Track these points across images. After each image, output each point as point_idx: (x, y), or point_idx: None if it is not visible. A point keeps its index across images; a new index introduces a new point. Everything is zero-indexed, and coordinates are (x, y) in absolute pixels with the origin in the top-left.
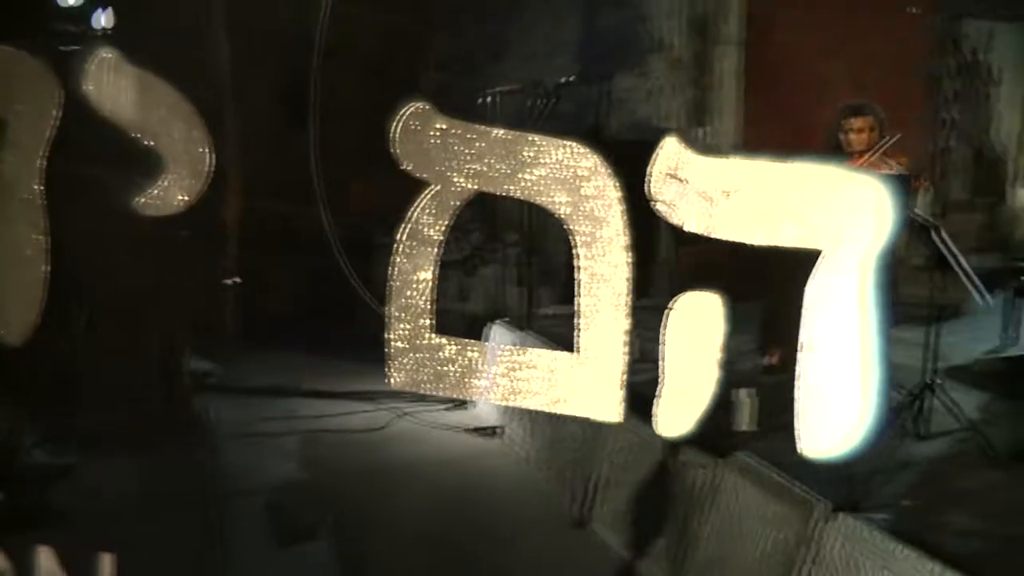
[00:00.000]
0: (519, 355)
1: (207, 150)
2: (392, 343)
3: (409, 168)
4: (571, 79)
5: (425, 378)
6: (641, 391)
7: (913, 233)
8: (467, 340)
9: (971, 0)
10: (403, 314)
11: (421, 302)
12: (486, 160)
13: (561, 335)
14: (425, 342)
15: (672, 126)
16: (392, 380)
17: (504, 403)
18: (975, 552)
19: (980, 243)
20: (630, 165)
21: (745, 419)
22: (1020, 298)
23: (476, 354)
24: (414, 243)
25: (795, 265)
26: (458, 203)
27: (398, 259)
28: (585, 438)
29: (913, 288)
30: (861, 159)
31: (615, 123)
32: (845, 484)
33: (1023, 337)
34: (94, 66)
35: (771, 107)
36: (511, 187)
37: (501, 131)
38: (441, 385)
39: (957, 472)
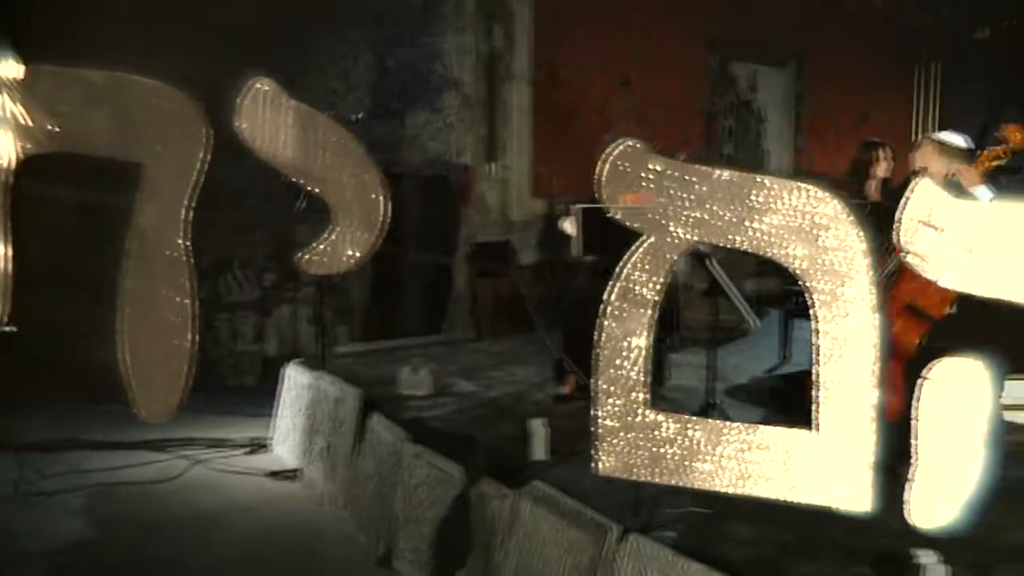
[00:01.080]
0: (749, 434)
1: (381, 197)
2: (600, 421)
3: (618, 216)
4: (360, 117)
5: (639, 462)
6: (438, 425)
7: (694, 262)
8: (688, 417)
9: (738, 45)
10: (613, 387)
11: (634, 373)
12: (708, 206)
13: (358, 373)
14: (639, 420)
15: (465, 161)
16: (600, 465)
17: (732, 490)
18: (753, 559)
19: (759, 268)
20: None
21: (540, 449)
22: (793, 319)
23: (699, 433)
24: (625, 304)
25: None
26: (675, 256)
27: (607, 323)
28: (383, 475)
29: (698, 313)
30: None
31: (408, 158)
32: (635, 506)
33: (796, 355)
34: (247, 99)
35: (559, 143)
36: (737, 237)
37: (725, 173)
38: (657, 470)
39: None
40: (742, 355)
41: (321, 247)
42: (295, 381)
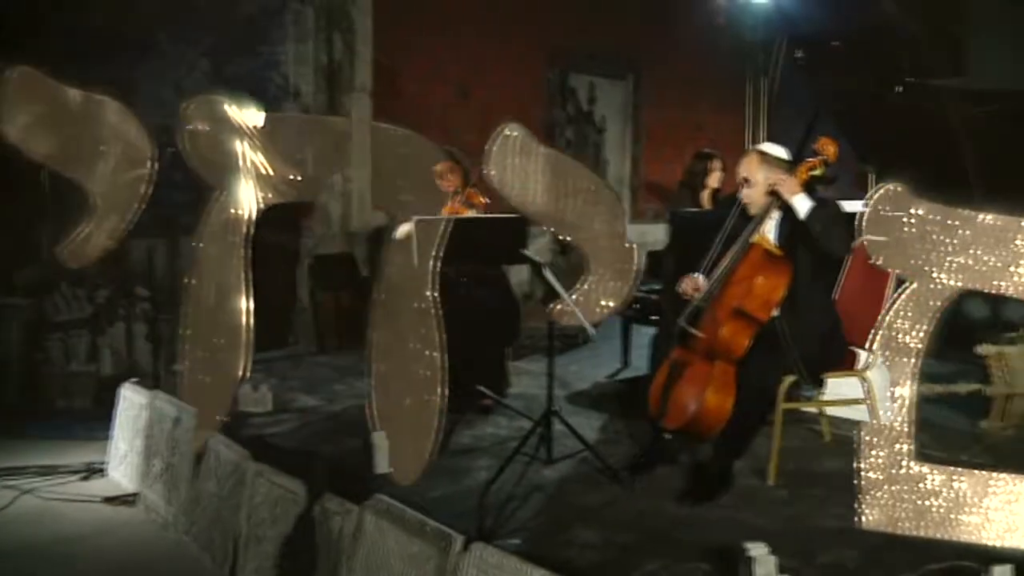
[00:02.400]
0: (1016, 484)
1: (635, 245)
2: (864, 473)
3: (880, 261)
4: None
5: (903, 515)
6: (281, 442)
7: (533, 270)
8: (953, 468)
9: (577, 57)
10: (876, 438)
11: (897, 424)
12: (973, 251)
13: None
14: (904, 472)
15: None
16: (864, 518)
17: (1000, 543)
18: (598, 562)
19: None
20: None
21: (383, 461)
22: (632, 325)
23: (964, 485)
24: (888, 353)
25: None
26: (939, 303)
27: (868, 373)
28: (224, 496)
29: (539, 321)
30: (452, 202)
31: None
32: (479, 515)
33: (636, 360)
34: (497, 146)
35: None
36: (1003, 283)
37: (989, 217)
38: (922, 523)
39: (580, 490)
40: (584, 362)
41: (576, 296)
42: (131, 401)
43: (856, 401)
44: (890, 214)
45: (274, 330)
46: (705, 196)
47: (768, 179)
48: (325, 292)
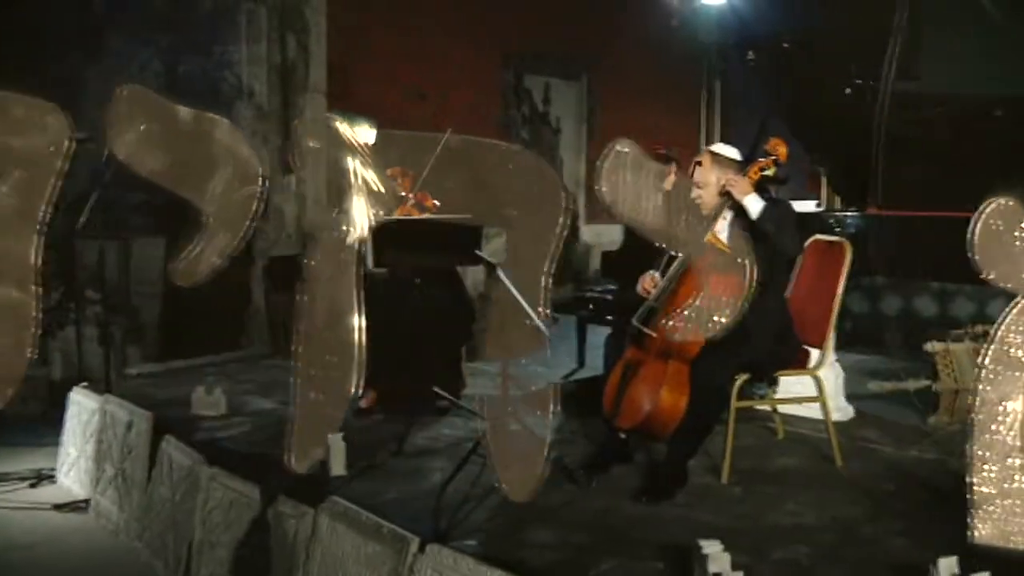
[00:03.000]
0: None
1: (747, 262)
2: (976, 488)
3: (991, 276)
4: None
5: (1016, 529)
6: (235, 446)
7: (487, 271)
8: None
9: (532, 59)
10: (988, 453)
11: (1010, 438)
12: None
13: (150, 395)
14: (1016, 486)
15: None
16: (976, 533)
17: None
18: (553, 562)
19: (557, 276)
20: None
21: (338, 464)
22: (587, 325)
23: None
24: (1000, 367)
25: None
26: None
27: (981, 387)
28: (178, 501)
29: None
30: (403, 205)
31: None
32: (435, 516)
33: (591, 360)
34: (608, 162)
35: None
36: None
37: None
38: None
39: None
40: (539, 362)
41: (685, 313)
42: (82, 406)
43: (809, 399)
44: (1001, 228)
45: (227, 332)
46: (663, 197)
47: (720, 179)
48: (280, 294)
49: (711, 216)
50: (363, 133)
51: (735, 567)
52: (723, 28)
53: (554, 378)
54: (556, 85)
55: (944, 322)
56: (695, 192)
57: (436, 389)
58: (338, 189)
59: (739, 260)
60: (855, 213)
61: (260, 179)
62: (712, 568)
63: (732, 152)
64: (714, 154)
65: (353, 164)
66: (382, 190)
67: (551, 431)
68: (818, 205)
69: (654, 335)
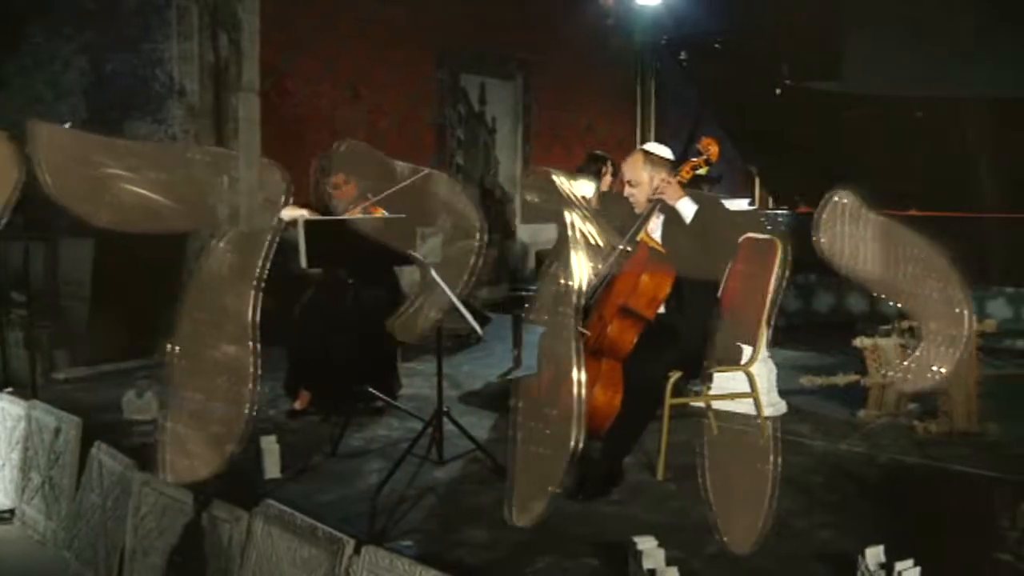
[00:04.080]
0: None
1: (964, 311)
2: None
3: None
4: (69, 125)
5: None
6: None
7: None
8: None
9: (467, 58)
10: None
11: None
12: None
13: (79, 399)
14: None
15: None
16: None
17: None
18: (489, 560)
19: (492, 276)
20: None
21: (272, 466)
22: (523, 324)
23: None
24: None
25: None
26: None
27: None
28: (108, 508)
29: None
30: (348, 213)
31: None
32: (371, 518)
33: (527, 360)
34: (826, 213)
35: (290, 155)
36: None
37: None
38: None
39: (472, 490)
40: (476, 362)
41: (912, 364)
42: (7, 412)
43: (742, 395)
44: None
45: (160, 334)
46: (596, 198)
47: (653, 178)
48: None
49: (644, 215)
50: (582, 186)
51: (669, 562)
52: (657, 28)
53: (490, 377)
54: (492, 84)
55: (875, 318)
56: (628, 191)
57: (371, 390)
58: (556, 241)
59: (671, 259)
60: (786, 211)
61: (479, 234)
62: (647, 564)
63: (664, 151)
64: (647, 153)
65: (571, 217)
66: (600, 244)
67: None
68: (751, 204)
69: (587, 334)
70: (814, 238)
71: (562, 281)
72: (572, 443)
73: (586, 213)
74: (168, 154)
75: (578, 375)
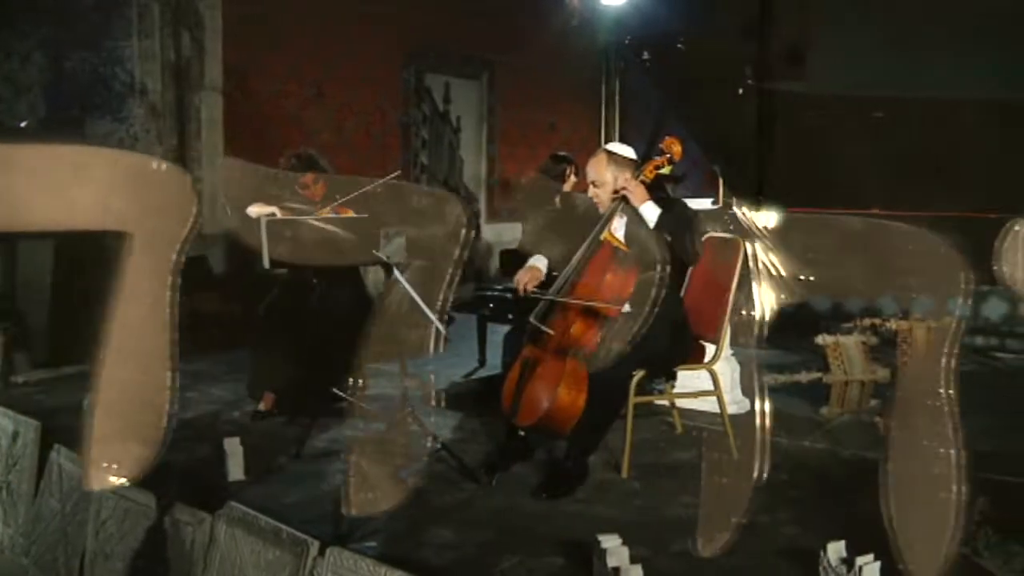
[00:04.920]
0: None
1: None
2: None
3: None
4: (24, 124)
5: None
6: None
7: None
8: None
9: (432, 57)
10: None
11: None
12: None
13: (39, 403)
14: None
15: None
16: None
17: None
18: (455, 560)
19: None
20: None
21: (236, 469)
22: (488, 324)
23: None
24: None
25: (276, 310)
26: None
27: None
28: (68, 513)
29: None
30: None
31: None
32: (335, 519)
33: (491, 359)
34: (1007, 241)
35: (254, 154)
36: None
37: None
38: None
39: (437, 490)
40: (441, 362)
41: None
42: None
43: (705, 393)
44: None
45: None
46: (559, 199)
47: (616, 178)
48: (177, 296)
49: (607, 214)
50: (763, 217)
51: (634, 560)
52: (621, 28)
53: (455, 377)
54: (457, 84)
55: (838, 316)
56: (592, 191)
57: (336, 391)
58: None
59: (636, 258)
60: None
61: (659, 266)
62: (611, 562)
63: (628, 151)
64: (610, 153)
65: (753, 249)
66: (783, 274)
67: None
68: (714, 203)
69: (551, 333)
70: (995, 267)
71: (745, 312)
72: (755, 474)
73: (768, 244)
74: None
75: (760, 406)
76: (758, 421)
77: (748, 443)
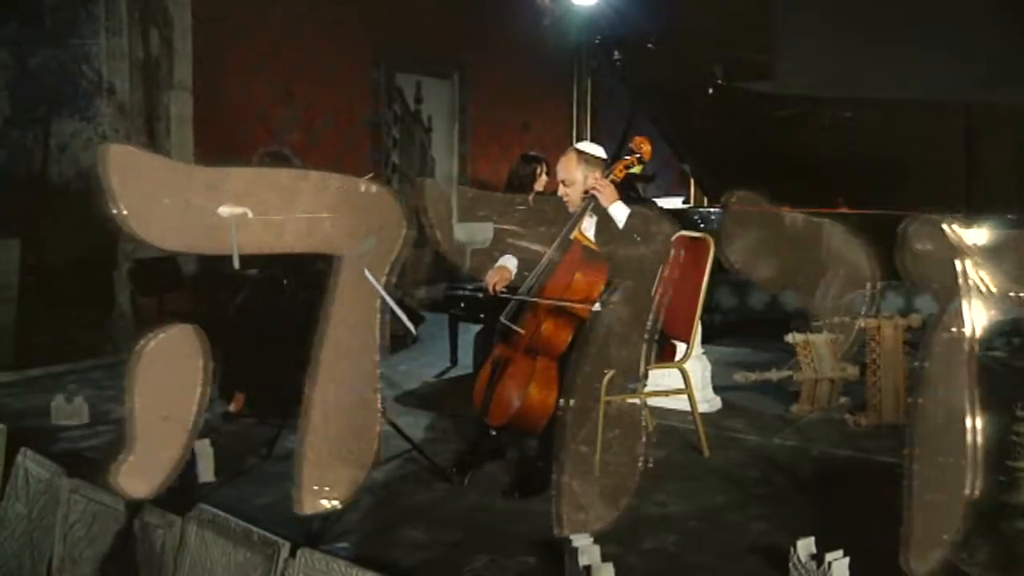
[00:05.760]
0: None
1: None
2: None
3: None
4: None
5: None
6: (98, 456)
7: None
8: None
9: (403, 57)
10: None
11: None
12: None
13: (5, 405)
14: None
15: None
16: None
17: None
18: (426, 560)
19: (431, 275)
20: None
21: (206, 470)
22: (460, 323)
23: None
24: None
25: (246, 310)
26: None
27: None
28: (35, 517)
29: None
30: None
31: (58, 171)
32: (306, 520)
33: (463, 359)
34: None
35: (223, 154)
36: None
37: None
38: None
39: (408, 490)
40: (413, 361)
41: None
42: None
43: (676, 391)
44: None
45: (90, 338)
46: (532, 198)
47: (587, 177)
48: (147, 297)
49: (577, 214)
50: (973, 235)
51: (605, 558)
52: (593, 28)
53: (426, 377)
54: (428, 83)
55: (808, 314)
56: (562, 190)
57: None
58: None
59: (605, 256)
60: (719, 210)
61: (869, 284)
62: (583, 560)
63: (597, 150)
64: (580, 152)
65: (963, 265)
66: (994, 290)
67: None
68: (685, 202)
69: (522, 332)
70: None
71: (954, 330)
72: (968, 490)
73: (978, 261)
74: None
75: (971, 421)
76: None
77: None
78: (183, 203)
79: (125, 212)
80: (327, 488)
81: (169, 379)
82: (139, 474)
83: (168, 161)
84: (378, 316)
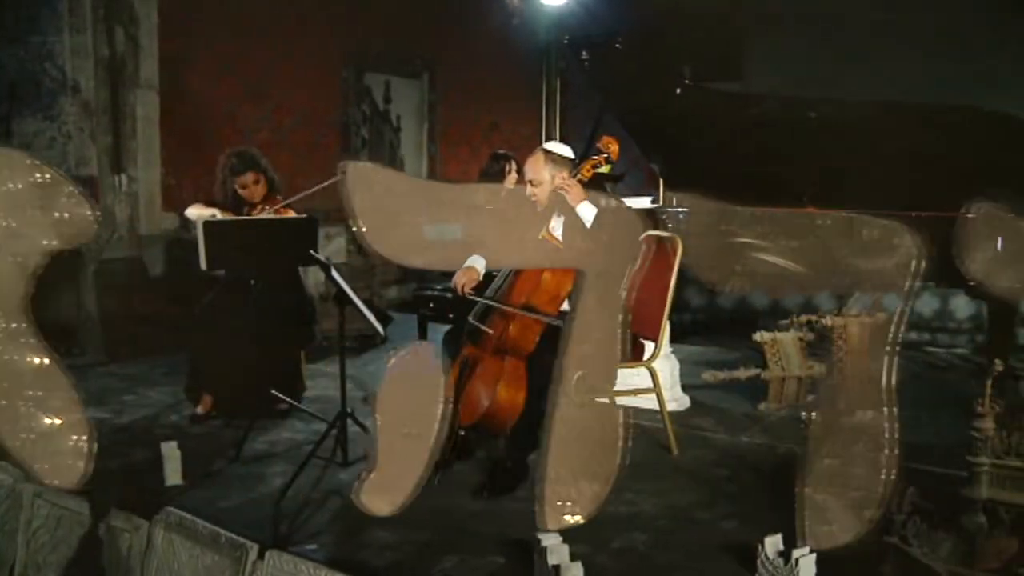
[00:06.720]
0: None
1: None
2: None
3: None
4: None
5: None
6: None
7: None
8: None
9: (372, 56)
10: None
11: None
12: None
13: None
14: None
15: (88, 173)
16: None
17: None
18: (396, 561)
19: (400, 275)
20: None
21: (173, 473)
22: (429, 324)
23: None
24: None
25: (214, 312)
26: None
27: None
28: None
29: (333, 323)
30: (257, 209)
31: None
32: (275, 522)
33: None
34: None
35: (190, 153)
36: None
37: None
38: None
39: None
40: (382, 362)
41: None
42: None
43: (645, 391)
44: None
45: (55, 340)
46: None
47: (554, 177)
48: (114, 298)
49: (546, 213)
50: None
51: (574, 557)
52: (561, 28)
53: None
54: (397, 83)
55: (777, 313)
56: (529, 190)
57: (275, 392)
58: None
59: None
60: (687, 209)
61: None
62: (552, 560)
63: (565, 150)
64: (547, 152)
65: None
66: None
67: None
68: (653, 202)
69: (490, 332)
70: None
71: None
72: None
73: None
74: (795, 222)
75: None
76: None
77: None
78: (421, 220)
79: (364, 229)
80: (570, 504)
81: (412, 396)
82: (382, 492)
83: (407, 178)
84: (619, 332)
